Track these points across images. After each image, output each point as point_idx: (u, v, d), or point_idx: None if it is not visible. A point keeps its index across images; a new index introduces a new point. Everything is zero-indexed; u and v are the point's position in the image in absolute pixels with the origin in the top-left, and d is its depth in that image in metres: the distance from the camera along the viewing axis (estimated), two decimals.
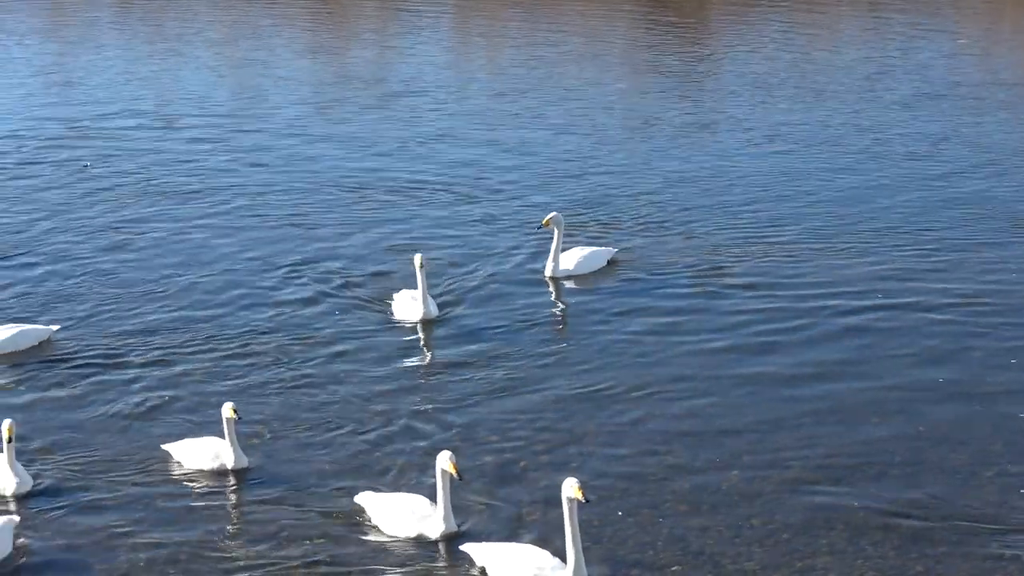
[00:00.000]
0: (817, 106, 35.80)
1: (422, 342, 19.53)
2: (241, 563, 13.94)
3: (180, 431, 16.70)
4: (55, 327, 19.65)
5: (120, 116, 34.85)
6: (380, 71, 42.67)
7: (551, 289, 21.72)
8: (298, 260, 23.11)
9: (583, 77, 40.34)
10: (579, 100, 36.90)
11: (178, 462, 15.90)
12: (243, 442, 15.93)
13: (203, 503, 15.15)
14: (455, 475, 13.98)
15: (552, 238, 21.85)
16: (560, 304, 21.21)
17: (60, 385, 18.16)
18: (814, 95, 37.26)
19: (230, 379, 18.29)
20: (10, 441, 14.99)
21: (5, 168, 29.52)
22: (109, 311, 20.86)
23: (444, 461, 14.04)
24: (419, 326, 19.79)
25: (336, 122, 34.43)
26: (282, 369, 18.54)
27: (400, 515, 14.35)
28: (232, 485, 15.55)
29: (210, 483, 15.55)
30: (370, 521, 14.55)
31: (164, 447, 16.12)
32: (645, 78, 40.95)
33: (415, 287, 19.98)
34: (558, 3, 54.84)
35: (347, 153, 31.07)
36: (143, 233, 24.93)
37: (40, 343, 19.36)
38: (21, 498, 15.04)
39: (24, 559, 13.96)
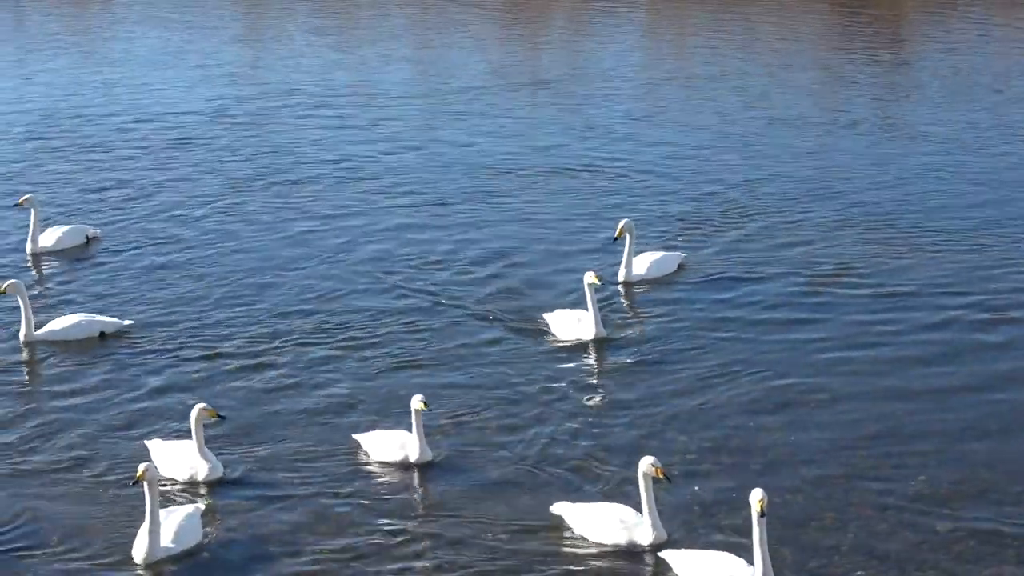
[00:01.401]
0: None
1: (592, 358, 19.13)
2: (424, 560, 14.03)
3: (370, 422, 16.90)
4: (128, 321, 20.02)
5: (311, 105, 35.86)
6: (568, 63, 42.88)
7: (623, 293, 21.55)
8: (471, 255, 23.45)
9: (772, 76, 39.92)
10: (763, 98, 36.59)
11: (366, 453, 16.10)
12: (429, 436, 16.08)
13: (388, 496, 15.29)
14: (663, 479, 13.92)
15: (624, 245, 21.78)
16: (693, 309, 20.90)
17: (249, 374, 18.54)
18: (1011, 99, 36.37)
19: (417, 374, 18.45)
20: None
21: (183, 146, 30.72)
22: (286, 300, 21.34)
23: (647, 466, 13.96)
24: (590, 344, 19.28)
25: (499, 114, 34.90)
26: (456, 373, 18.53)
27: (607, 524, 14.20)
28: (416, 479, 15.69)
29: (396, 475, 15.71)
30: (571, 530, 14.42)
31: (355, 437, 16.34)
32: (834, 76, 40.32)
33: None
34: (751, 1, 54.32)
35: (512, 142, 31.61)
36: (294, 220, 25.66)
37: (110, 333, 19.76)
38: (212, 484, 15.38)
39: (213, 546, 14.24)
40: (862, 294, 21.34)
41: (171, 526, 13.95)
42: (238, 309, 20.94)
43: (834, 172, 28.70)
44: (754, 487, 13.35)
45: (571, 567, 13.90)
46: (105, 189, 27.96)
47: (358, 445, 16.22)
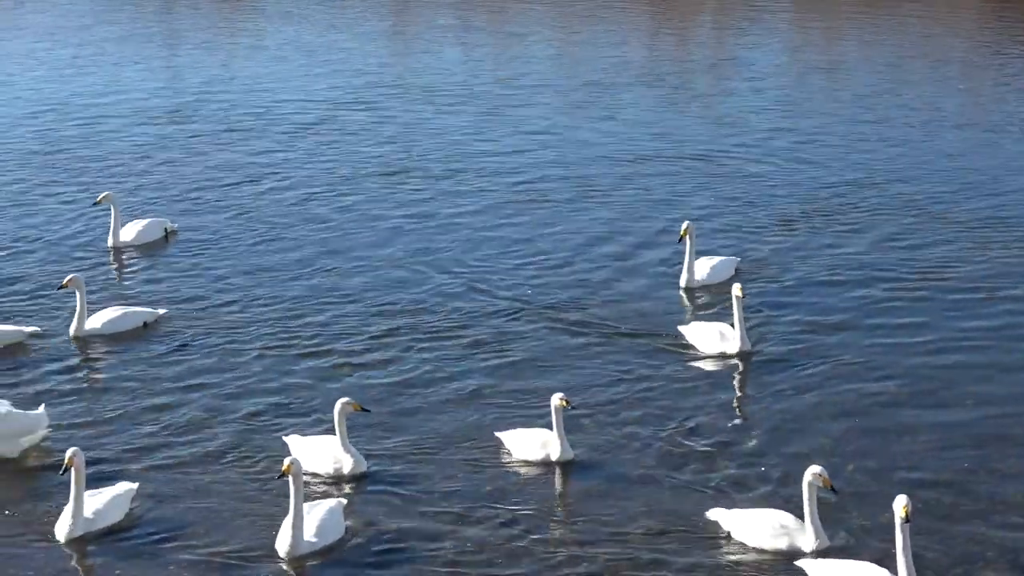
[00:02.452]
0: None
1: (733, 368, 18.72)
2: (564, 560, 13.91)
3: (512, 419, 16.86)
4: (162, 311, 20.28)
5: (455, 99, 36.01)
6: (710, 57, 42.71)
7: (689, 298, 21.35)
8: (606, 251, 23.51)
9: (919, 72, 39.32)
10: (909, 97, 36.03)
11: (507, 451, 16.06)
12: (570, 435, 15.99)
13: (529, 494, 15.20)
14: (829, 488, 13.70)
15: (685, 248, 21.49)
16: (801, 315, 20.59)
17: (377, 370, 18.60)
18: None
19: (557, 371, 18.37)
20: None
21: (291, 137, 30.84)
22: (430, 290, 21.58)
23: (812, 475, 13.70)
24: (732, 356, 18.84)
25: (638, 106, 35.03)
26: (593, 376, 18.31)
27: (768, 530, 13.99)
28: (558, 477, 15.59)
29: (537, 473, 15.63)
30: (729, 535, 14.23)
31: (496, 434, 16.30)
32: (983, 73, 39.58)
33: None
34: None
35: (646, 135, 32.00)
36: (408, 212, 25.91)
37: (145, 324, 20.00)
38: (355, 479, 15.42)
39: (355, 540, 14.26)
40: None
41: (314, 520, 13.99)
42: (346, 306, 21.02)
43: (973, 173, 28.35)
44: (898, 493, 13.10)
45: (721, 571, 13.74)
46: (192, 183, 28.44)
47: (500, 442, 16.21)
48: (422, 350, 19.23)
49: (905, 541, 12.83)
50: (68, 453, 14.14)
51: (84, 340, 19.65)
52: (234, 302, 21.26)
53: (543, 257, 23.35)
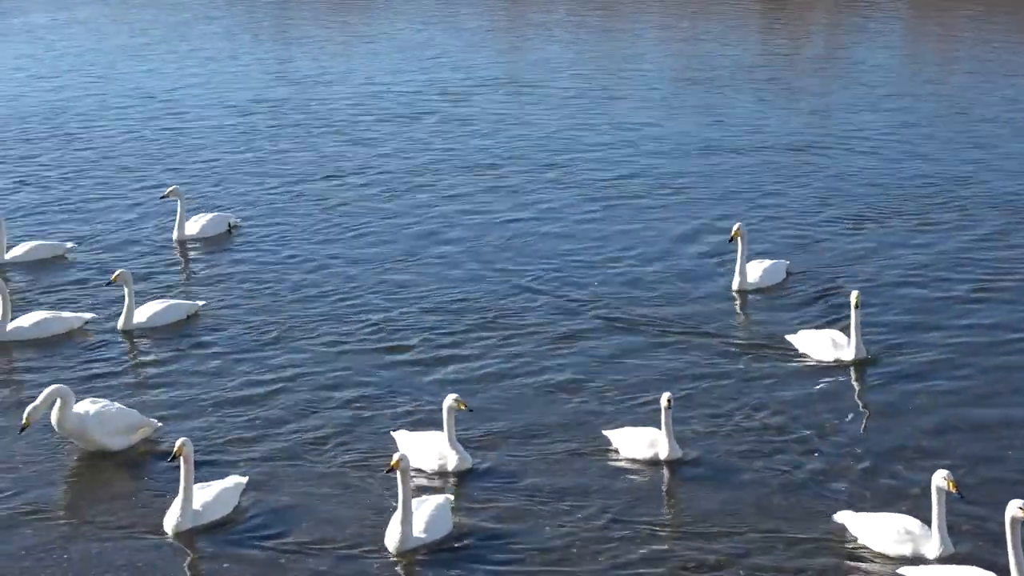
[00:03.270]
0: None
1: (843, 374, 18.27)
2: (672, 560, 13.74)
3: (618, 419, 16.69)
4: (201, 302, 20.58)
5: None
6: (821, 54, 42.42)
7: (738, 301, 21.00)
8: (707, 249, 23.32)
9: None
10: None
11: (615, 449, 15.91)
12: (678, 434, 15.80)
13: (637, 493, 15.02)
14: (956, 492, 13.39)
15: (737, 251, 21.21)
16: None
17: (493, 363, 18.57)
18: None
19: (666, 373, 18.17)
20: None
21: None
22: (519, 285, 21.63)
23: (940, 479, 13.42)
24: (844, 363, 18.40)
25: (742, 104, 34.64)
26: (704, 380, 18.06)
27: (893, 535, 13.71)
28: (666, 477, 15.40)
29: (645, 473, 15.45)
30: (854, 539, 13.97)
31: (604, 433, 16.14)
32: None
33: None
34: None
35: (746, 133, 31.71)
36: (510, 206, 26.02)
37: (189, 316, 20.24)
38: (461, 475, 15.34)
39: (462, 537, 14.15)
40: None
41: (423, 516, 13.92)
42: (427, 300, 21.13)
43: None
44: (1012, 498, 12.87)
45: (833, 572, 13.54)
46: (273, 177, 28.87)
47: (607, 440, 16.06)
48: (518, 346, 19.21)
49: (1016, 546, 12.55)
50: (178, 443, 14.16)
51: (133, 333, 19.90)
52: (305, 296, 21.46)
53: (635, 252, 23.35)
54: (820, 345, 18.56)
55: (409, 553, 13.76)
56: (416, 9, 55.25)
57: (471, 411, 15.59)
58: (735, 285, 21.19)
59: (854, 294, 18.24)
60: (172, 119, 35.00)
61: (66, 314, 20.14)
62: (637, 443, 15.73)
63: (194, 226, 24.30)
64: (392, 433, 16.11)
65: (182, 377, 18.36)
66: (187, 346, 19.47)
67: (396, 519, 13.83)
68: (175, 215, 24.39)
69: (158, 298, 20.81)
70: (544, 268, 22.57)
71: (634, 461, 15.66)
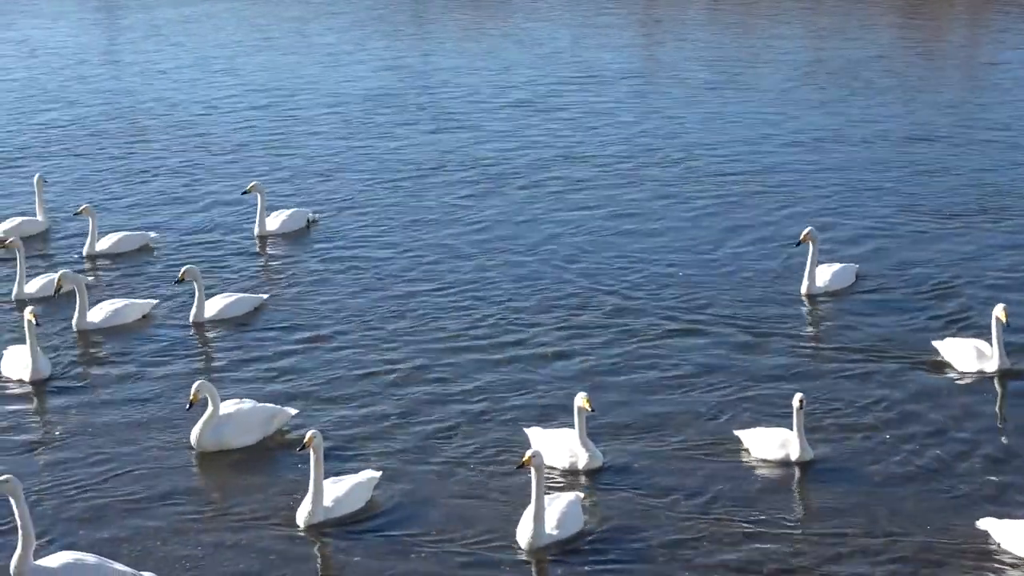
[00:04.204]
0: None
1: (987, 385, 17.78)
2: (803, 561, 13.57)
3: (750, 419, 16.56)
4: (264, 295, 20.76)
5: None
6: (958, 52, 41.95)
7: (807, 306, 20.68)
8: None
9: None
10: None
11: (746, 449, 15.76)
12: (809, 435, 15.62)
13: (768, 494, 14.87)
14: None
15: (807, 254, 20.87)
16: None
17: (616, 361, 18.51)
18: None
19: (795, 376, 17.95)
20: (591, 411, 15.23)
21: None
22: (632, 282, 21.61)
23: None
24: (989, 374, 17.92)
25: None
26: (840, 383, 17.81)
27: None
28: (797, 478, 15.22)
29: (776, 473, 15.29)
30: (998, 545, 13.72)
31: (735, 433, 16.01)
32: None
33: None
34: None
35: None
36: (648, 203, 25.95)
37: (256, 308, 20.52)
38: (591, 473, 15.27)
39: (593, 534, 14.09)
40: None
41: (555, 513, 13.87)
42: (526, 297, 21.14)
43: None
44: None
45: None
46: (366, 172, 29.11)
47: (738, 440, 15.91)
48: (638, 342, 19.18)
49: None
50: (308, 434, 14.22)
51: (204, 326, 20.19)
52: (410, 289, 21.65)
53: (749, 248, 23.30)
54: (965, 354, 18.12)
55: (541, 550, 13.71)
56: (548, 4, 55.19)
57: (593, 411, 15.42)
58: (803, 289, 20.94)
59: (999, 308, 17.72)
60: (284, 113, 35.39)
61: (138, 300, 20.69)
62: (768, 443, 15.57)
63: (274, 221, 24.58)
64: (526, 430, 16.08)
65: (302, 371, 18.50)
66: (298, 339, 19.62)
67: (528, 516, 13.78)
68: (256, 210, 24.68)
69: (225, 292, 21.06)
70: (658, 263, 22.60)
71: (765, 462, 15.50)
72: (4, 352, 18.51)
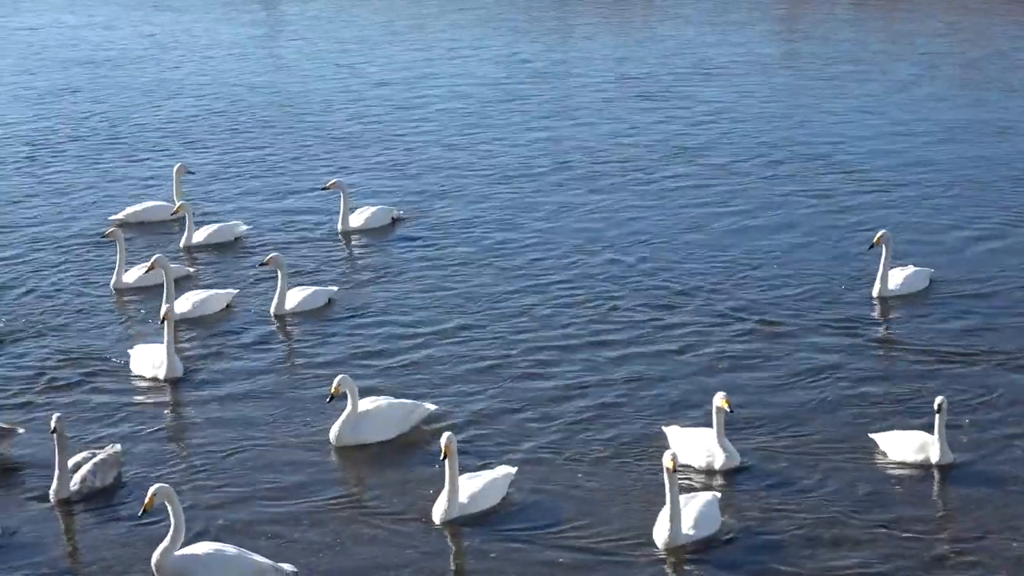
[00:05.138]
0: None
1: None
2: (947, 569, 13.39)
3: (888, 421, 16.35)
4: (334, 288, 20.93)
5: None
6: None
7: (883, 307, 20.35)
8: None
9: None
10: None
11: (883, 452, 15.55)
12: (948, 437, 15.38)
13: (906, 498, 14.65)
14: None
15: (880, 256, 20.55)
16: None
17: (750, 360, 18.44)
18: None
19: (936, 377, 17.75)
20: (729, 411, 15.15)
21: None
22: (757, 281, 21.59)
23: None
24: None
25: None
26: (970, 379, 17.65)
27: None
28: (937, 482, 15.00)
29: (914, 476, 15.08)
30: None
31: (872, 436, 15.80)
32: None
33: None
34: None
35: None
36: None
37: (330, 301, 20.84)
38: (728, 473, 15.18)
39: (729, 534, 14.00)
40: None
41: (691, 512, 13.80)
42: (630, 294, 21.12)
43: None
44: None
45: None
46: (432, 171, 29.19)
47: (874, 444, 15.70)
48: (765, 341, 19.11)
49: None
50: (443, 440, 14.26)
51: (285, 318, 20.41)
52: (527, 284, 21.79)
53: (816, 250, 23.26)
54: None
55: (677, 549, 13.65)
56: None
57: (731, 411, 15.32)
58: (875, 292, 20.68)
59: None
60: (397, 108, 35.81)
61: (220, 291, 21.09)
62: (906, 446, 15.37)
63: (358, 218, 24.79)
64: (663, 428, 16.02)
65: (422, 365, 18.64)
66: (413, 333, 19.79)
67: (665, 514, 13.73)
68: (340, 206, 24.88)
69: (300, 285, 21.27)
70: (759, 259, 22.64)
71: (903, 465, 15.29)
72: (133, 350, 18.74)
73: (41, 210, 26.77)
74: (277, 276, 20.53)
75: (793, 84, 37.68)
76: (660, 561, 13.59)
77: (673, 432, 15.78)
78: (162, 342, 18.12)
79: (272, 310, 20.57)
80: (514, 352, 18.91)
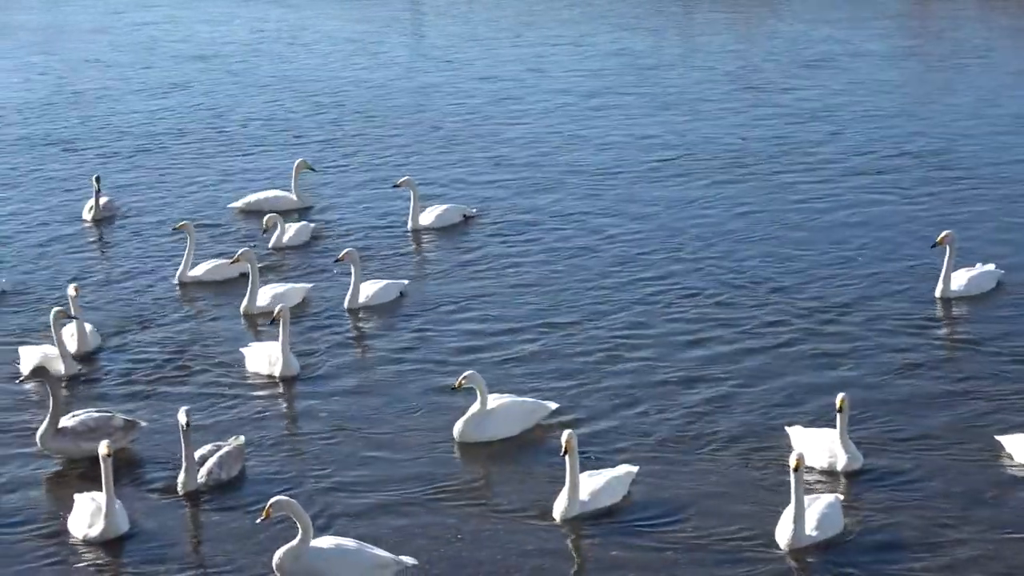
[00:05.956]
0: None
1: None
2: None
3: (1012, 420, 16.19)
4: (405, 282, 21.29)
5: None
6: None
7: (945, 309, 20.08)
8: None
9: None
10: None
11: (1008, 455, 15.29)
12: None
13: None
14: None
15: (944, 256, 20.26)
16: None
17: (866, 359, 18.33)
18: None
19: None
20: (841, 411, 15.00)
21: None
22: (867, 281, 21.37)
23: None
24: None
25: None
26: None
27: None
28: None
29: None
30: None
31: (997, 438, 15.56)
32: None
33: None
34: None
35: None
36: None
37: (399, 294, 21.10)
38: (851, 475, 15.03)
39: (852, 536, 13.84)
40: None
41: (814, 514, 13.69)
42: (741, 292, 21.12)
43: None
44: None
45: None
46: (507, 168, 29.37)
47: (999, 445, 15.46)
48: (875, 340, 18.98)
49: None
50: (564, 436, 14.27)
51: (358, 312, 20.62)
52: (623, 280, 21.90)
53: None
54: None
55: (800, 551, 13.55)
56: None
57: (839, 411, 15.12)
58: (938, 292, 20.41)
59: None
60: (499, 101, 36.28)
61: (297, 285, 21.36)
62: None
63: (429, 216, 24.89)
64: (787, 428, 15.91)
65: (537, 361, 18.71)
66: (523, 327, 19.94)
67: (788, 515, 13.63)
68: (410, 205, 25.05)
69: (372, 279, 21.47)
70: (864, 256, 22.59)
71: None
72: (246, 350, 18.94)
73: (151, 201, 27.39)
74: (351, 271, 20.72)
75: (908, 79, 37.24)
76: (782, 561, 13.50)
77: (796, 432, 15.66)
78: (276, 340, 18.33)
79: (346, 304, 20.77)
80: (611, 347, 19.01)
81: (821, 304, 20.40)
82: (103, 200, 26.07)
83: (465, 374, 16.09)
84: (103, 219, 25.78)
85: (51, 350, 18.70)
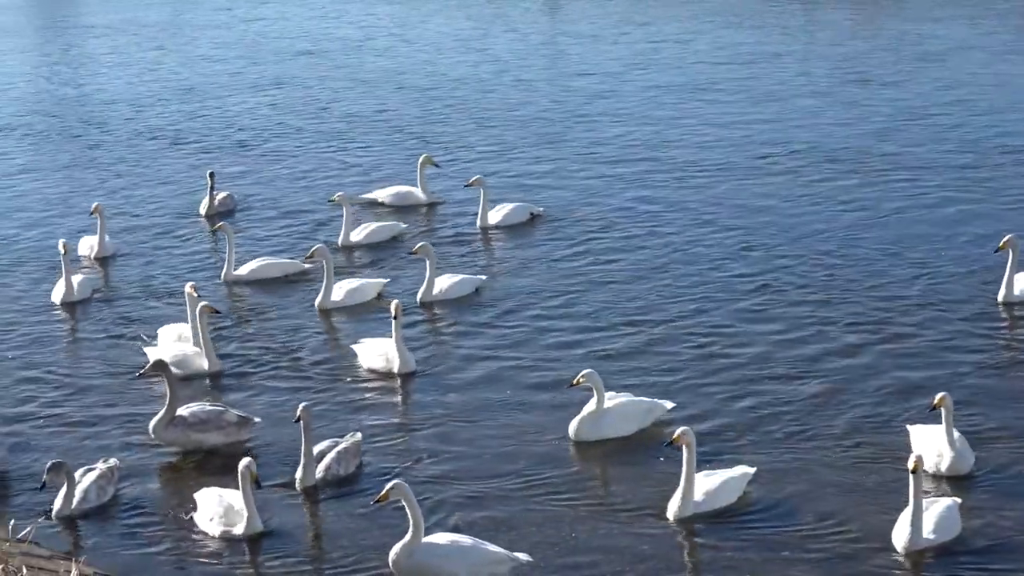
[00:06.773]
0: None
1: None
2: None
3: None
4: (482, 277, 21.53)
5: None
6: None
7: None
8: None
9: None
10: None
11: None
12: None
13: None
14: None
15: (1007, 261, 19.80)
16: None
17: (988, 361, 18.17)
18: None
19: None
20: (931, 409, 14.88)
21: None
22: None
23: None
24: None
25: None
26: None
27: None
28: None
29: None
30: None
31: None
32: None
33: None
34: None
35: None
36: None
37: (477, 289, 21.32)
38: (960, 477, 14.85)
39: (970, 541, 13.72)
40: None
41: (932, 517, 13.59)
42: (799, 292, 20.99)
43: None
44: None
45: None
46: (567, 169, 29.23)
47: None
48: (978, 340, 18.83)
49: None
50: (678, 432, 14.30)
51: (432, 305, 20.83)
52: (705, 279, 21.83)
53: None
54: None
55: (917, 554, 13.46)
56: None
57: (932, 410, 14.95)
58: (1000, 296, 20.05)
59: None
60: (594, 99, 36.25)
61: (371, 280, 21.57)
62: None
63: (496, 214, 25.01)
64: (908, 427, 15.77)
65: (635, 358, 18.75)
66: (614, 323, 20.01)
67: (905, 518, 13.54)
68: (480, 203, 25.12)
69: (446, 272, 21.60)
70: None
71: None
72: (358, 346, 19.09)
73: (267, 196, 27.85)
74: (425, 265, 20.94)
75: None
76: (898, 564, 13.42)
77: (916, 431, 15.50)
78: (390, 336, 18.50)
79: (419, 297, 20.94)
80: (709, 344, 19.03)
81: (927, 300, 20.26)
82: (220, 196, 26.43)
83: (583, 372, 16.14)
84: (216, 214, 26.09)
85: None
